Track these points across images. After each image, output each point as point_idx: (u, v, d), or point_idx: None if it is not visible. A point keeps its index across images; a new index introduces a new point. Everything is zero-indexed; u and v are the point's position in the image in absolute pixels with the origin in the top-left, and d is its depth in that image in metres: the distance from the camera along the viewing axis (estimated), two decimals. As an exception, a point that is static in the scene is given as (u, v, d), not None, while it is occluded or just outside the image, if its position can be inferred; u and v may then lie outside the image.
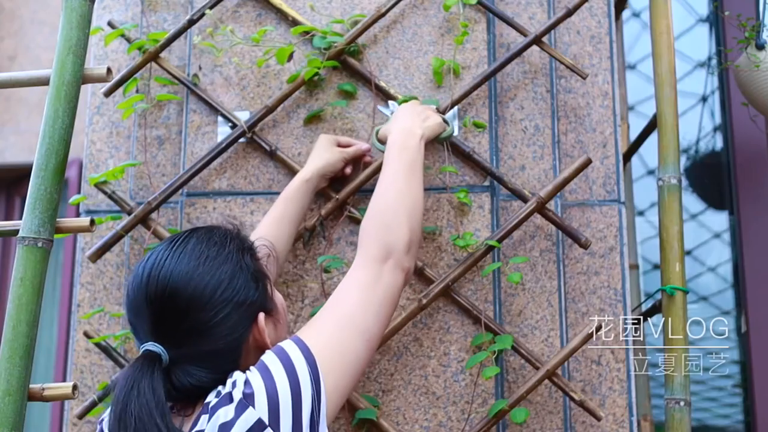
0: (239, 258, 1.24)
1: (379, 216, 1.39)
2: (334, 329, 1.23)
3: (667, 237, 1.83)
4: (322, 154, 1.76)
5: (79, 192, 2.14)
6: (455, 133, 1.75)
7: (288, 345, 1.18)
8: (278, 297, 1.33)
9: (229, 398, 1.12)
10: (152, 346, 1.17)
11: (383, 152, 1.54)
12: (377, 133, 1.67)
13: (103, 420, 1.24)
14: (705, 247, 3.11)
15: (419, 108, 1.66)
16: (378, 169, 1.80)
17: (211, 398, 1.15)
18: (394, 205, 1.39)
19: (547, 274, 1.83)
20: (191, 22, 1.92)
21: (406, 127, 1.55)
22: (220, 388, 1.16)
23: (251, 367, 1.17)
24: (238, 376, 1.15)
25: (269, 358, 1.17)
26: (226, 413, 1.11)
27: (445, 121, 1.71)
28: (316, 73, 1.85)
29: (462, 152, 1.82)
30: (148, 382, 1.12)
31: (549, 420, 1.77)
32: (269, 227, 1.66)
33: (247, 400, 1.11)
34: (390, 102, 1.81)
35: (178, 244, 1.23)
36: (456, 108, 1.85)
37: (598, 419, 1.72)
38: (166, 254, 1.21)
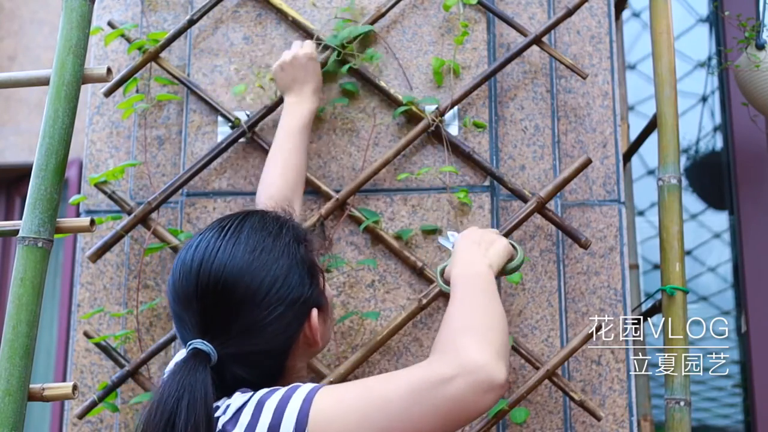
0: (295, 250, 1.16)
1: (459, 326, 1.12)
2: (355, 398, 1.05)
3: (667, 237, 1.83)
4: (300, 85, 1.73)
5: (79, 192, 2.14)
6: (521, 257, 1.39)
7: (301, 389, 1.07)
8: (327, 290, 1.24)
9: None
10: (201, 344, 1.10)
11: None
12: (442, 272, 1.37)
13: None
14: (705, 247, 3.11)
15: (479, 233, 1.34)
16: (378, 168, 1.80)
17: (219, 411, 1.09)
18: (476, 318, 1.14)
19: (547, 274, 1.83)
20: (191, 22, 1.92)
21: (469, 259, 1.27)
22: (225, 400, 1.11)
23: (252, 399, 1.08)
24: (235, 400, 1.09)
25: (273, 398, 1.07)
26: None
27: (513, 246, 1.38)
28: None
29: (462, 152, 1.82)
30: (201, 390, 1.06)
31: (549, 420, 1.77)
32: (286, 176, 1.63)
33: None
34: (450, 233, 1.49)
35: (230, 231, 1.15)
36: (456, 108, 1.85)
37: (598, 419, 1.72)
38: (218, 243, 1.13)
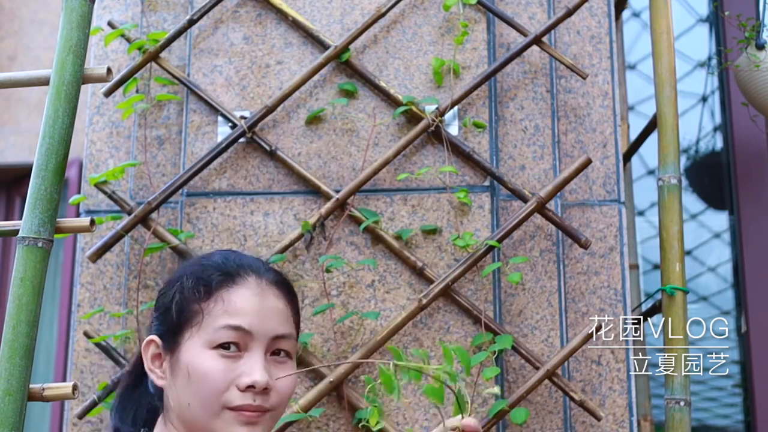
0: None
1: None
2: None
3: (667, 237, 1.83)
4: None
5: (79, 192, 2.14)
6: None
7: None
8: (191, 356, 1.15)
9: None
10: None
11: None
12: None
13: None
14: (705, 247, 3.11)
15: None
16: (378, 168, 1.80)
17: None
18: None
19: (547, 274, 1.83)
20: (191, 22, 1.92)
21: None
22: None
23: None
24: None
25: None
26: None
27: None
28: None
29: (462, 152, 1.82)
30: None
31: (549, 420, 1.77)
32: None
33: None
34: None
35: None
36: (456, 108, 1.85)
37: (598, 419, 1.72)
38: None
